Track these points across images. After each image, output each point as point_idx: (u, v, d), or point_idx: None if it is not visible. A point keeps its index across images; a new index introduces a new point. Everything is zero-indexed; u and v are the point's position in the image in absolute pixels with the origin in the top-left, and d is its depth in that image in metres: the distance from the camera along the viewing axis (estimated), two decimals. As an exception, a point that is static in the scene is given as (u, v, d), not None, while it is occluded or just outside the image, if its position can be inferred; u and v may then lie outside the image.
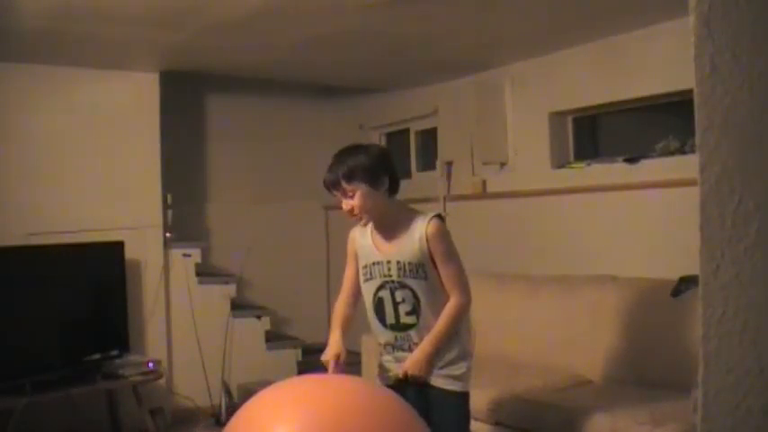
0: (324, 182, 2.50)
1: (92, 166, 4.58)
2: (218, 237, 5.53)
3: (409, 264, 2.44)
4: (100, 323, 4.29)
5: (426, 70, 4.96)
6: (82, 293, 4.22)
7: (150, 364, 4.20)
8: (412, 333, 2.49)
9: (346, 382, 2.04)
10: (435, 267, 2.46)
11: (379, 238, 2.54)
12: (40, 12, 3.40)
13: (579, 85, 4.26)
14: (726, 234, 0.62)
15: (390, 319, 2.51)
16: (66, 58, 4.31)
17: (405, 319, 2.48)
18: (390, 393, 2.04)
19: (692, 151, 3.63)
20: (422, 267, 2.43)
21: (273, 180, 5.91)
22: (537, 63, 4.52)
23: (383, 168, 2.46)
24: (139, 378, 4.11)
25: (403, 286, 2.45)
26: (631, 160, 3.98)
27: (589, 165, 4.28)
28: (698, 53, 0.61)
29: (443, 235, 2.47)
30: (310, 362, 4.54)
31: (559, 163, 4.46)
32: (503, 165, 4.74)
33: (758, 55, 0.57)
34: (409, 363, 2.43)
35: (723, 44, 0.59)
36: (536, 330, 4.00)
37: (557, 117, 4.48)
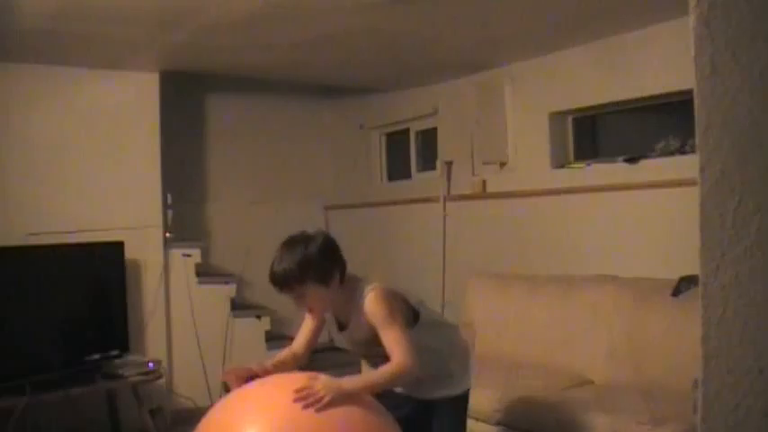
0: (271, 281, 2.30)
1: (92, 165, 4.58)
2: (218, 237, 5.53)
3: (366, 342, 2.36)
4: (100, 323, 4.29)
5: (426, 70, 4.96)
6: (82, 293, 4.22)
7: (150, 364, 4.20)
8: None
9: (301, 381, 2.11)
10: None
11: (335, 324, 2.49)
12: (40, 12, 3.40)
13: (579, 85, 4.26)
14: (726, 234, 0.62)
15: None
16: (67, 58, 4.31)
17: None
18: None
19: (692, 151, 3.63)
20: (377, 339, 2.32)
21: (273, 180, 5.91)
22: (537, 63, 4.52)
23: (332, 261, 2.36)
24: (139, 378, 4.10)
25: (375, 355, 2.36)
26: (631, 160, 3.98)
27: (589, 165, 4.28)
28: (698, 53, 0.61)
29: (380, 304, 2.28)
30: (310, 361, 4.54)
31: (559, 163, 4.46)
32: (503, 165, 4.75)
33: (758, 55, 0.57)
34: (325, 381, 2.11)
35: (723, 44, 0.59)
36: (536, 330, 4.00)
37: (557, 117, 4.48)
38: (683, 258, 2.95)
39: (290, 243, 2.35)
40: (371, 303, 2.29)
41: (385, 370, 2.21)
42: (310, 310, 2.45)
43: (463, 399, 2.55)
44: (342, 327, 2.46)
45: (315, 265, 2.30)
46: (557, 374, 3.68)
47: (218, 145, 5.69)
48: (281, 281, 2.28)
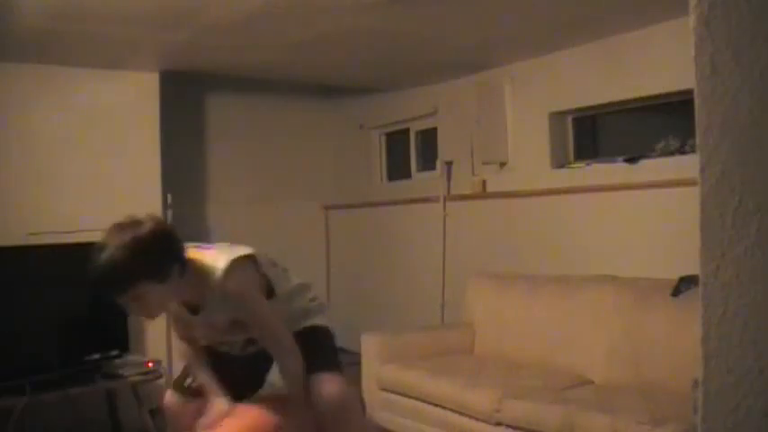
0: (92, 281, 1.85)
1: (92, 166, 4.57)
2: (218, 237, 5.53)
3: (226, 327, 2.15)
4: (100, 323, 4.28)
5: (426, 70, 4.96)
6: (82, 293, 4.21)
7: (150, 364, 4.20)
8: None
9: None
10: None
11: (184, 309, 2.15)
12: (40, 12, 3.40)
13: (579, 85, 4.26)
14: (726, 234, 0.62)
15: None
16: (67, 58, 4.31)
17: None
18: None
19: (692, 151, 3.63)
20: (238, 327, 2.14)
21: (273, 180, 5.91)
22: (537, 63, 4.52)
23: (167, 255, 1.89)
24: (139, 378, 4.10)
25: (230, 341, 2.26)
26: (631, 160, 3.98)
27: (589, 165, 4.28)
28: (698, 53, 0.61)
29: (240, 281, 2.01)
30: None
31: (559, 163, 4.46)
32: (503, 165, 4.75)
33: (758, 55, 0.57)
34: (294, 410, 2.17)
35: (723, 44, 0.59)
36: (536, 330, 4.00)
37: (557, 117, 4.48)
38: (683, 258, 2.94)
39: (116, 236, 1.87)
40: (232, 281, 1.97)
41: (287, 375, 2.11)
42: (150, 317, 2.07)
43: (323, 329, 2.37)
44: (195, 310, 2.11)
45: (145, 263, 1.82)
46: (557, 374, 3.68)
47: (218, 145, 5.69)
48: (106, 281, 1.83)
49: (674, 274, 3.38)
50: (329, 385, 2.18)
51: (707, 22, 0.60)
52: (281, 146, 5.95)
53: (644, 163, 3.93)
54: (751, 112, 0.58)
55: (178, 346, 2.43)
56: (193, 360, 2.34)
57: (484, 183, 4.91)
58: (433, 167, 5.34)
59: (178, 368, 4.81)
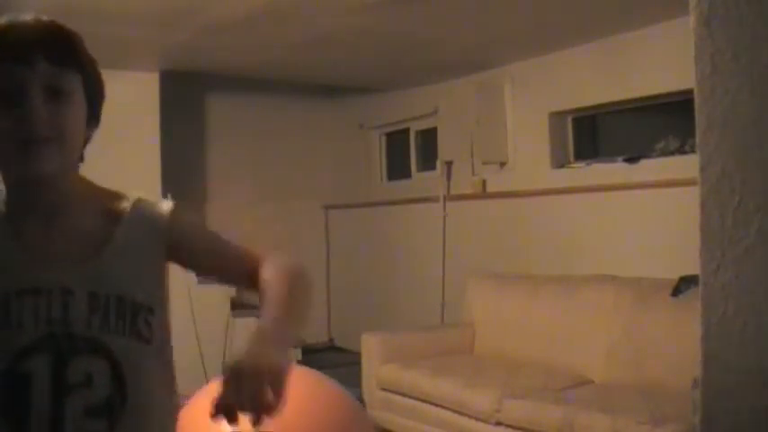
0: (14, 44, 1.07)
1: (91, 165, 4.56)
2: (218, 237, 5.53)
3: (117, 299, 1.09)
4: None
5: (426, 70, 4.96)
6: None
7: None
8: None
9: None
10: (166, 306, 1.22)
11: (33, 227, 1.09)
12: (40, 11, 3.39)
13: (579, 85, 4.26)
14: (726, 234, 0.62)
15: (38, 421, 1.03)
16: (66, 58, 4.31)
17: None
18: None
19: (692, 151, 3.62)
20: (144, 309, 1.14)
21: (273, 180, 5.91)
22: (537, 63, 4.52)
23: (101, 92, 1.20)
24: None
25: (92, 350, 1.06)
26: (631, 160, 3.98)
27: (589, 165, 4.28)
28: (698, 53, 0.61)
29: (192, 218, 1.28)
30: (310, 361, 4.55)
31: (559, 163, 4.46)
32: (503, 165, 4.75)
33: (758, 55, 0.57)
34: (247, 365, 0.98)
35: (723, 44, 0.59)
36: (536, 330, 4.00)
37: (557, 117, 4.48)
38: (683, 258, 2.94)
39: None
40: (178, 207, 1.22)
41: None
42: (43, 138, 1.04)
43: None
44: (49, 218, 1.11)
45: (95, 67, 1.19)
46: (557, 374, 3.68)
47: (218, 145, 5.69)
48: (58, 36, 1.15)
49: (674, 274, 3.38)
50: None
51: (707, 21, 0.60)
52: (281, 146, 5.95)
53: (644, 163, 3.94)
54: (751, 112, 0.58)
55: None
56: None
57: (484, 183, 4.91)
58: (433, 167, 5.34)
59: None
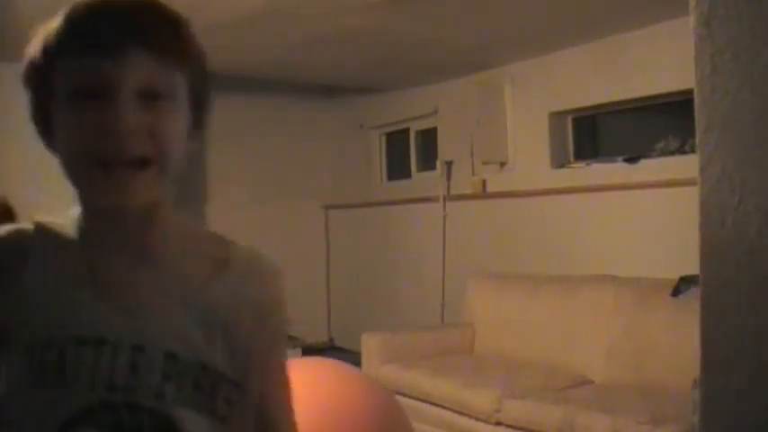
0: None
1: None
2: (218, 237, 5.54)
3: (199, 366, 0.86)
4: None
5: (426, 70, 4.96)
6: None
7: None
8: None
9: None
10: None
11: (111, 264, 0.87)
12: (40, 11, 3.39)
13: (579, 85, 4.26)
14: (726, 234, 0.62)
15: None
16: (66, 58, 4.32)
17: None
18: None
19: (692, 151, 3.63)
20: (226, 381, 0.89)
21: (273, 180, 5.91)
22: (537, 63, 4.52)
23: (209, 94, 0.96)
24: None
25: (158, 427, 0.83)
26: (631, 160, 3.98)
27: (589, 165, 4.29)
28: (698, 53, 0.61)
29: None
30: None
31: (559, 163, 4.47)
32: (503, 165, 4.75)
33: (758, 55, 0.57)
34: None
35: (723, 44, 0.59)
36: (536, 330, 4.00)
37: (557, 117, 4.48)
38: (683, 258, 2.94)
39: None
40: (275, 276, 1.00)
41: None
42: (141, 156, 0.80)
43: None
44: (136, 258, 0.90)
45: (204, 64, 0.94)
46: (557, 374, 3.68)
47: (218, 145, 5.69)
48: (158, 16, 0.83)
49: (674, 274, 3.38)
50: None
51: (707, 22, 0.60)
52: (281, 146, 5.95)
53: (644, 163, 3.94)
54: (751, 113, 0.58)
55: None
56: None
57: (484, 183, 4.91)
58: (433, 167, 5.34)
59: None
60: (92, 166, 0.80)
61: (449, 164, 5.12)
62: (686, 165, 3.61)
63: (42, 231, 0.90)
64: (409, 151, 5.79)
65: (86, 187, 0.85)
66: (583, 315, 3.78)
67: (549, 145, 4.47)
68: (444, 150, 5.21)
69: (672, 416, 2.80)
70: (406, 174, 5.81)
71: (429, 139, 5.52)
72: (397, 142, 5.93)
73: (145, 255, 0.87)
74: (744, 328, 0.61)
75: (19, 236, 0.89)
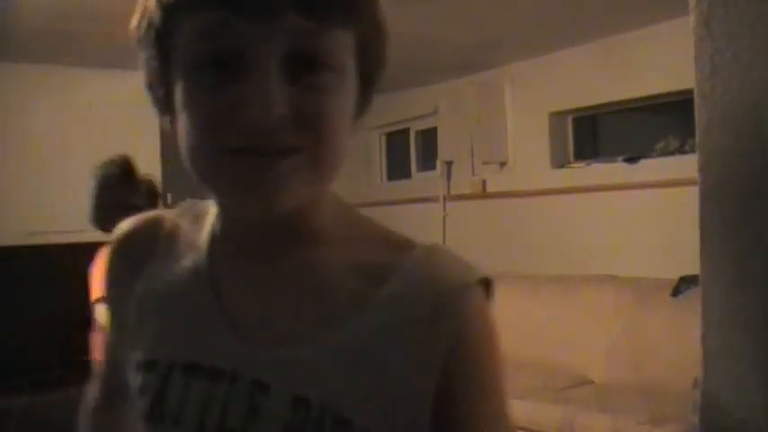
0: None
1: (92, 165, 4.57)
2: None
3: (337, 421, 0.63)
4: (100, 323, 4.29)
5: (426, 70, 4.96)
6: (82, 293, 4.22)
7: (150, 364, 4.21)
8: None
9: None
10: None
11: (241, 277, 0.70)
12: (40, 11, 3.40)
13: (579, 85, 4.26)
14: (726, 234, 0.62)
15: None
16: (67, 58, 4.31)
17: None
18: None
19: (692, 151, 3.62)
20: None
21: (273, 180, 5.91)
22: (537, 63, 4.52)
23: (384, 58, 0.74)
24: (139, 378, 4.10)
25: None
26: (631, 160, 3.98)
27: (589, 165, 4.28)
28: (698, 53, 0.61)
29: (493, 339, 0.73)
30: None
31: (559, 163, 4.46)
32: (503, 165, 4.75)
33: (758, 55, 0.57)
34: None
35: (723, 44, 0.59)
36: (536, 330, 4.00)
37: (557, 117, 4.48)
38: (683, 258, 2.94)
39: None
40: (486, 317, 0.77)
41: None
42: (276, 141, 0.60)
43: None
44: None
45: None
46: (557, 374, 3.68)
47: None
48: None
49: (674, 274, 3.39)
50: None
51: (707, 21, 0.60)
52: (281, 146, 5.95)
53: (644, 163, 3.94)
54: (751, 113, 0.58)
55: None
56: None
57: (484, 183, 4.90)
58: (433, 167, 5.33)
59: None
60: (222, 155, 0.61)
61: (449, 164, 5.12)
62: (686, 165, 3.61)
63: (175, 226, 0.77)
64: (409, 151, 5.79)
65: (214, 183, 0.66)
66: (583, 315, 3.78)
67: (549, 145, 4.47)
68: (444, 150, 5.21)
69: (672, 416, 2.80)
70: (406, 174, 5.81)
71: (429, 139, 5.52)
72: (397, 142, 5.93)
73: (286, 271, 0.67)
74: (744, 328, 0.61)
75: (154, 228, 0.76)
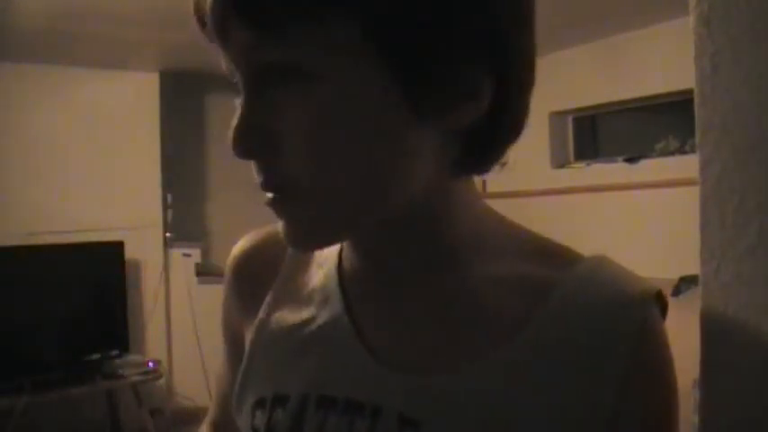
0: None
1: (92, 165, 4.58)
2: (218, 236, 5.53)
3: None
4: (100, 323, 4.29)
5: (426, 70, 4.96)
6: (82, 293, 4.22)
7: (150, 364, 4.21)
8: None
9: None
10: None
11: (376, 298, 0.62)
12: (40, 11, 3.40)
13: (579, 85, 4.25)
14: (726, 234, 0.62)
15: None
16: (67, 58, 4.31)
17: None
18: None
19: (692, 151, 3.63)
20: None
21: (273, 180, 5.91)
22: (537, 63, 4.51)
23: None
24: (139, 378, 4.11)
25: None
26: (631, 160, 3.98)
27: (589, 165, 4.28)
28: (698, 53, 0.61)
29: (671, 368, 0.67)
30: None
31: (559, 163, 4.46)
32: (503, 165, 4.74)
33: (758, 55, 0.57)
34: None
35: (723, 44, 0.59)
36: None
37: (557, 117, 4.48)
38: (683, 258, 2.94)
39: None
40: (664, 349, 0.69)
41: None
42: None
43: None
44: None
45: None
46: (557, 374, 3.68)
47: (218, 145, 5.68)
48: None
49: (674, 274, 3.38)
50: None
51: (707, 22, 0.60)
52: (281, 146, 5.95)
53: (644, 163, 3.93)
54: (751, 113, 0.58)
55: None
56: None
57: (484, 183, 4.90)
58: (433, 167, 5.33)
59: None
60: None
61: (449, 164, 5.12)
62: (686, 165, 3.61)
63: None
64: (409, 151, 5.79)
65: None
66: (583, 315, 3.78)
67: (550, 145, 4.47)
68: (444, 150, 5.21)
69: (672, 416, 2.79)
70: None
71: (429, 139, 5.52)
72: (397, 142, 5.94)
73: (428, 292, 0.60)
74: (744, 327, 0.61)
75: (277, 246, 0.64)
